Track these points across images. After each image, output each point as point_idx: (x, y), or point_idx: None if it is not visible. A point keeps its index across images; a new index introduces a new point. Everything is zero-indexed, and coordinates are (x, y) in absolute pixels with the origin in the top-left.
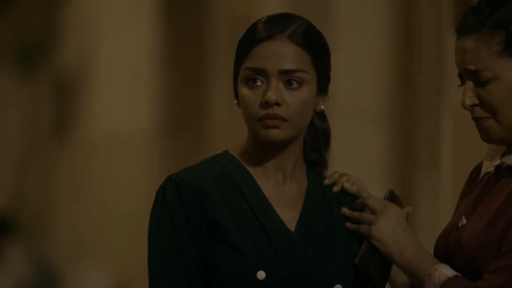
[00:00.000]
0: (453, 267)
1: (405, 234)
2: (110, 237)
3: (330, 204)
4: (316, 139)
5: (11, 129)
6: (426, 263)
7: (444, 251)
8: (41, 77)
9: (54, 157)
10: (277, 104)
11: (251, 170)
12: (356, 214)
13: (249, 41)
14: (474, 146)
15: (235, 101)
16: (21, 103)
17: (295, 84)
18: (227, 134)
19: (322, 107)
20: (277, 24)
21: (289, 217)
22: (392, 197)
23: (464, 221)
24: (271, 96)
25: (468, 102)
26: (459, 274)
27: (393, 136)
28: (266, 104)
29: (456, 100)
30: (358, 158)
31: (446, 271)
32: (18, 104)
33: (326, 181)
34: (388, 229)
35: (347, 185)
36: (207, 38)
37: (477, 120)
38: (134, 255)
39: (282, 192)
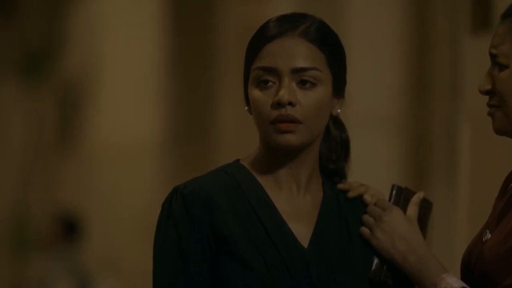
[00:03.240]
0: (474, 283)
1: (408, 239)
2: (115, 248)
3: (347, 217)
4: (334, 150)
5: (15, 138)
6: (433, 270)
7: (468, 267)
8: (46, 86)
9: (59, 166)
10: (291, 104)
11: (263, 181)
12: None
13: (259, 39)
14: (493, 156)
15: (246, 108)
16: (25, 113)
17: (309, 84)
18: (235, 143)
19: (339, 110)
20: (289, 21)
21: (303, 231)
22: (398, 194)
23: (489, 235)
24: (284, 95)
25: (481, 86)
26: (467, 287)
27: (406, 145)
28: (278, 105)
29: (474, 107)
30: (369, 168)
31: (452, 282)
32: (22, 114)
33: (341, 185)
34: (385, 237)
35: (367, 198)
36: (214, 47)
37: (488, 106)
38: (139, 265)
39: (296, 205)
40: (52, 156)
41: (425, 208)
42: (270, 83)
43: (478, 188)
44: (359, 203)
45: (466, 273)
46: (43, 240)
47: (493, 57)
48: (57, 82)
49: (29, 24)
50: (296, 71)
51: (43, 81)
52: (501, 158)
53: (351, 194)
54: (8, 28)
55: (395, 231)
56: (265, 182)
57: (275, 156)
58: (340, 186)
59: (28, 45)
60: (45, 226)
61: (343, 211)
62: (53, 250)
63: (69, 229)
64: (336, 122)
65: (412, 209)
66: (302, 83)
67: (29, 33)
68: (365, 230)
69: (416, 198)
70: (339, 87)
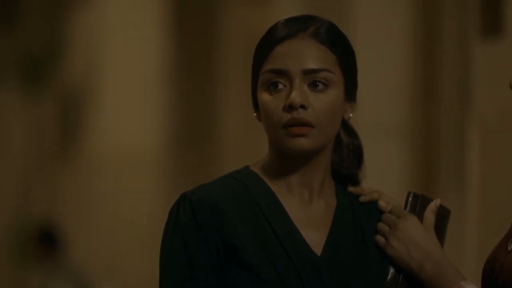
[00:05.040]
0: None
1: (424, 246)
2: (118, 257)
3: (362, 224)
4: (347, 158)
5: (16, 145)
6: (450, 278)
7: (491, 276)
8: (47, 93)
9: (60, 174)
10: (303, 107)
11: (274, 187)
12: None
13: (269, 41)
14: (502, 162)
15: (254, 114)
16: (26, 119)
17: (320, 86)
18: (240, 149)
19: (351, 114)
20: (298, 23)
21: (316, 239)
22: (414, 201)
23: None
24: (296, 98)
25: None
26: None
27: (413, 153)
28: (290, 108)
29: (483, 113)
30: (375, 176)
31: None
32: (23, 120)
33: (351, 189)
34: (400, 246)
35: (382, 204)
36: (217, 51)
37: None
38: (142, 272)
39: (308, 212)
40: (53, 163)
41: (442, 215)
42: (280, 86)
43: (488, 194)
44: (374, 209)
45: (488, 282)
46: (43, 247)
47: None
48: (58, 89)
49: (30, 30)
50: (308, 73)
51: (44, 88)
52: (511, 164)
53: (363, 198)
54: (9, 34)
55: (410, 239)
56: (277, 188)
57: (286, 162)
58: (351, 189)
59: (29, 52)
60: (46, 233)
61: (358, 218)
62: (54, 257)
63: (70, 236)
64: (347, 129)
65: (429, 216)
66: (314, 85)
67: (30, 40)
68: (380, 238)
69: (432, 205)
70: (351, 90)
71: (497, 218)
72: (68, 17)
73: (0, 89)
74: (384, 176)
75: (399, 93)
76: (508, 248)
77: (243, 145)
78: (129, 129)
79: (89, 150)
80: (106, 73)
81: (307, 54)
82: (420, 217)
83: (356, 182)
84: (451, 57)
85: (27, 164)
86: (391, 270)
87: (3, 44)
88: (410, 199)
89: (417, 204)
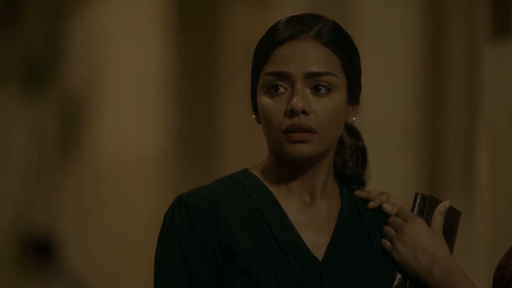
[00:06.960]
0: None
1: (432, 251)
2: (119, 263)
3: (368, 227)
4: (350, 159)
5: (16, 150)
6: (460, 284)
7: (501, 283)
8: (47, 97)
9: (60, 179)
10: (304, 112)
11: (274, 189)
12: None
13: (270, 43)
14: None
15: (254, 116)
16: (26, 125)
17: (323, 90)
18: (242, 155)
19: (354, 119)
20: (301, 23)
21: (317, 243)
22: (422, 203)
23: None
24: (298, 103)
25: None
26: None
27: (421, 157)
28: (292, 113)
29: (492, 117)
30: (381, 181)
31: None
32: (23, 126)
33: (358, 193)
34: (407, 250)
35: (388, 207)
36: (220, 57)
37: None
38: (145, 282)
39: (310, 214)
40: (53, 167)
41: (452, 217)
42: (281, 90)
43: (497, 200)
44: (380, 212)
45: None
46: (43, 254)
47: None
48: (59, 94)
49: (31, 35)
50: (310, 76)
51: (44, 92)
52: None
53: (372, 205)
54: (9, 38)
55: (417, 244)
56: (276, 190)
57: (286, 167)
58: (358, 193)
59: (30, 56)
60: (45, 239)
61: (364, 220)
62: (54, 263)
63: (70, 242)
64: (350, 130)
65: (437, 219)
66: (316, 89)
67: (30, 44)
68: (386, 242)
69: (441, 207)
70: (354, 94)
71: (507, 223)
72: (69, 21)
73: (0, 93)
74: (390, 181)
75: (406, 96)
76: None
77: (245, 150)
78: (130, 134)
79: (90, 155)
80: (107, 78)
81: (310, 57)
82: (428, 220)
83: (361, 183)
84: (459, 60)
85: (27, 169)
86: (398, 276)
87: (3, 47)
88: (418, 200)
89: (425, 206)
